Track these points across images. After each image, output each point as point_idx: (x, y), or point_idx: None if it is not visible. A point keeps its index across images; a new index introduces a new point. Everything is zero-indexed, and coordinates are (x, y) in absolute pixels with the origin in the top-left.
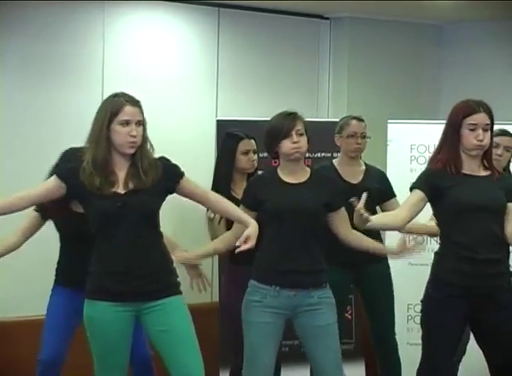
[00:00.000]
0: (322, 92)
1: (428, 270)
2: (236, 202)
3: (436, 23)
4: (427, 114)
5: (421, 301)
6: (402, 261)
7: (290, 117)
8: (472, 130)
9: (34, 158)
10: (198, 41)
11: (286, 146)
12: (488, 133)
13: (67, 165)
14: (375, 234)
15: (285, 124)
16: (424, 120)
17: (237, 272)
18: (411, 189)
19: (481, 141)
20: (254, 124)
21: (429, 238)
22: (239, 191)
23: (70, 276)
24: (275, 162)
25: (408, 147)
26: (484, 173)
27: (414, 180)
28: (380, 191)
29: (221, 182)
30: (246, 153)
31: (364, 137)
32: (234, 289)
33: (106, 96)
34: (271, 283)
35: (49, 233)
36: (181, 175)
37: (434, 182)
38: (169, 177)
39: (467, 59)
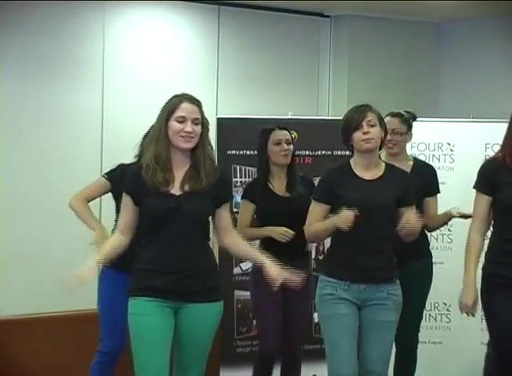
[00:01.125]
0: (322, 89)
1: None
2: (272, 194)
3: (435, 21)
4: (426, 112)
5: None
6: None
7: (361, 109)
8: None
9: (33, 156)
10: (198, 39)
11: (358, 136)
12: None
13: (127, 177)
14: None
15: (355, 115)
16: (424, 117)
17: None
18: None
19: None
20: (254, 121)
21: (436, 236)
22: (276, 184)
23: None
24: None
25: (408, 145)
26: None
27: (475, 180)
28: (424, 186)
29: (258, 175)
30: (278, 143)
31: (397, 133)
32: (260, 281)
33: (106, 95)
34: (341, 278)
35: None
36: (231, 197)
37: (490, 178)
38: (222, 190)
39: (467, 56)
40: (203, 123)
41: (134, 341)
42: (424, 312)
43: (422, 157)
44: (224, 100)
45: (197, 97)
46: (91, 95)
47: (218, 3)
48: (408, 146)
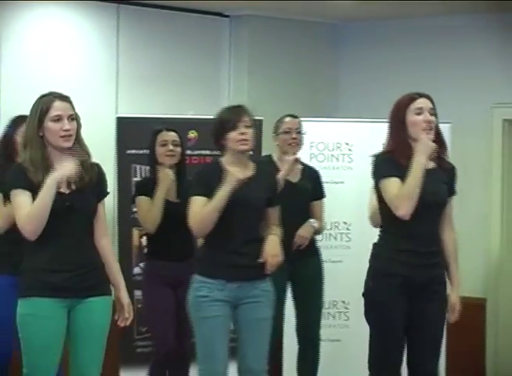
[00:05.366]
0: (222, 89)
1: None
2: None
3: (333, 22)
4: (327, 112)
5: (363, 295)
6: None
7: (238, 110)
8: (418, 114)
9: None
10: (97, 37)
11: (234, 137)
12: (434, 118)
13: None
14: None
15: (232, 115)
16: (323, 117)
17: (156, 267)
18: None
19: (430, 122)
20: (154, 121)
21: (335, 235)
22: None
23: None
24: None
25: (307, 145)
26: (431, 165)
27: (375, 171)
28: (313, 190)
29: (147, 178)
30: (164, 144)
31: (299, 133)
32: (154, 282)
33: (2, 96)
34: (216, 277)
35: None
36: (107, 193)
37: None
38: (103, 185)
39: (365, 57)
40: (76, 118)
41: (26, 342)
42: (323, 310)
43: (321, 157)
44: (124, 99)
45: (97, 96)
46: None
47: (116, 1)
48: (307, 145)
